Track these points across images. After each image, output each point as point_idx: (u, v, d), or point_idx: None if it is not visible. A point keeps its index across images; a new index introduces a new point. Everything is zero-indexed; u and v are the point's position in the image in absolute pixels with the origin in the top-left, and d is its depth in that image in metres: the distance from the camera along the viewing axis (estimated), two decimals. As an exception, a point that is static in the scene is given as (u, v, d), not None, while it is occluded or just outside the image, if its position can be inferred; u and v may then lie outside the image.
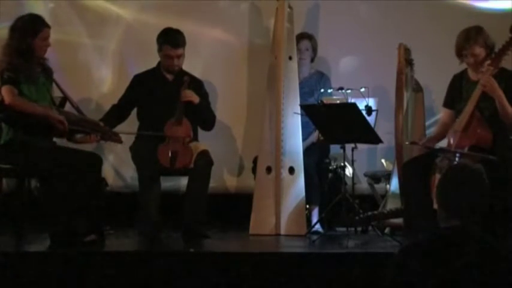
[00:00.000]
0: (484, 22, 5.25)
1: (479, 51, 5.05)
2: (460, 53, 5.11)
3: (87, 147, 5.31)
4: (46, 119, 4.89)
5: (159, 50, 5.70)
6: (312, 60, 6.14)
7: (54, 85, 5.24)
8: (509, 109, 4.93)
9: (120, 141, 5.36)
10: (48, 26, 5.08)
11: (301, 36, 6.07)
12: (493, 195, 4.45)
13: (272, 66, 5.78)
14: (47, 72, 5.15)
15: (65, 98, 5.31)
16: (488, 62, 5.00)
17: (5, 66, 4.92)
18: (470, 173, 2.83)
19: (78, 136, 5.13)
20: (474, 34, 5.07)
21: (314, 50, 6.12)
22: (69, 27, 6.42)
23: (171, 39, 5.64)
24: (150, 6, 6.48)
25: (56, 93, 5.29)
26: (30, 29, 5.01)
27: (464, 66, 5.22)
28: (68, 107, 5.34)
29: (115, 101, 5.80)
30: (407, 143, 5.41)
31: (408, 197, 5.20)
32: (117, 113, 5.70)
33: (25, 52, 4.97)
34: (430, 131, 6.15)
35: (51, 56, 5.24)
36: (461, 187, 2.80)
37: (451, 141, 5.05)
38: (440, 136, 5.38)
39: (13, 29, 5.04)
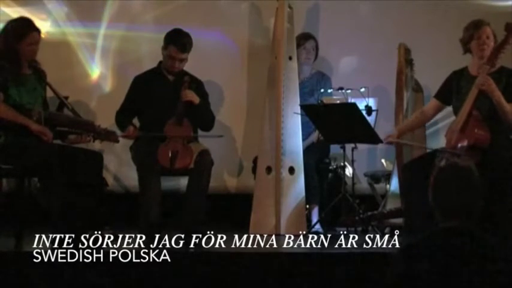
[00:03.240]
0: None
1: (491, 35, 5.05)
2: (470, 37, 5.07)
3: (90, 145, 5.31)
4: (27, 129, 4.90)
5: (164, 48, 5.69)
6: (314, 60, 6.15)
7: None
8: (507, 107, 4.92)
9: (117, 141, 5.36)
10: (36, 30, 5.06)
11: (308, 36, 6.07)
12: (491, 194, 4.49)
13: (272, 66, 5.78)
14: (40, 75, 5.13)
15: (62, 102, 5.30)
16: (484, 61, 5.01)
17: None
18: (460, 172, 2.81)
19: (71, 137, 5.13)
20: (485, 21, 5.11)
21: (317, 50, 6.13)
22: (68, 27, 6.42)
23: (179, 42, 5.62)
24: (149, 6, 6.48)
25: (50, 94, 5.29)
26: (16, 33, 5.00)
27: (464, 63, 5.22)
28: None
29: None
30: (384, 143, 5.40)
31: (408, 197, 5.19)
32: (127, 118, 5.68)
33: (11, 56, 4.96)
34: (431, 131, 6.16)
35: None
36: (452, 187, 2.78)
37: (449, 141, 5.05)
38: (414, 125, 5.40)
39: (2, 31, 5.04)
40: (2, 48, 4.99)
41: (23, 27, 5.04)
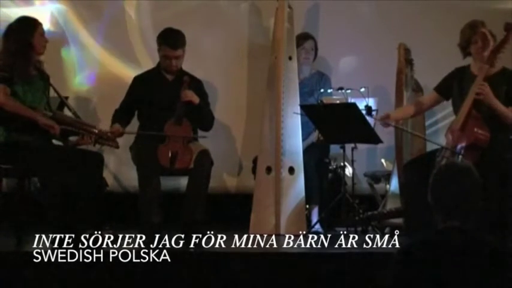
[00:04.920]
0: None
1: (489, 36, 5.05)
2: (468, 41, 5.08)
3: (90, 146, 5.32)
4: (36, 123, 4.90)
5: (158, 49, 5.70)
6: (313, 60, 6.15)
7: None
8: (507, 113, 4.92)
9: (117, 146, 5.36)
10: (41, 23, 5.10)
11: (307, 36, 6.07)
12: (491, 194, 4.49)
13: (272, 66, 5.78)
14: (44, 76, 5.14)
15: (62, 101, 5.31)
16: (484, 60, 5.01)
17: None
18: (460, 172, 2.81)
19: (72, 139, 5.13)
20: (480, 22, 5.12)
21: (316, 50, 6.13)
22: (68, 28, 6.42)
23: (169, 40, 5.63)
24: (149, 6, 6.48)
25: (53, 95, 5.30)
26: (27, 27, 5.01)
27: (464, 63, 5.22)
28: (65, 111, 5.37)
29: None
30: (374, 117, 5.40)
31: (408, 197, 5.20)
32: (124, 117, 5.68)
33: (24, 51, 4.96)
34: (431, 131, 6.16)
35: (48, 56, 5.24)
36: (452, 187, 2.78)
37: (449, 140, 5.05)
38: (406, 113, 5.38)
39: (8, 33, 5.04)
40: (14, 48, 4.97)
41: (31, 21, 5.08)
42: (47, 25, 6.21)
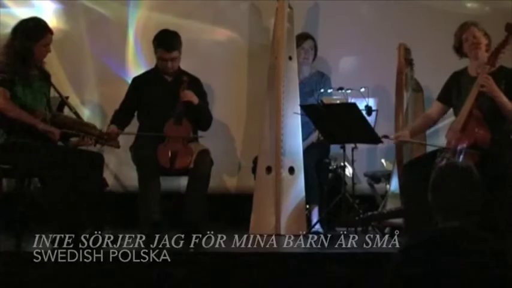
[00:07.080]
0: (483, 23, 5.24)
1: (479, 34, 5.07)
2: (459, 41, 5.11)
3: (90, 147, 5.32)
4: (34, 128, 4.89)
5: (155, 52, 5.70)
6: (313, 60, 6.15)
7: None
8: (510, 106, 4.93)
9: (117, 146, 5.36)
10: (51, 32, 5.07)
11: (306, 36, 6.08)
12: (491, 194, 4.49)
13: (272, 66, 5.78)
14: (45, 76, 5.13)
15: (63, 101, 5.31)
16: (485, 61, 5.02)
17: (0, 68, 4.92)
18: (460, 172, 2.81)
19: (73, 139, 5.13)
20: (470, 22, 5.16)
21: (316, 50, 6.13)
22: (71, 28, 6.42)
23: (165, 42, 5.63)
24: (149, 6, 6.48)
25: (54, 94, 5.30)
26: (32, 34, 4.99)
27: (464, 63, 5.23)
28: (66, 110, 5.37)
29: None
30: (379, 136, 5.39)
31: (408, 198, 5.19)
32: (124, 118, 5.69)
33: (24, 56, 4.96)
34: (431, 131, 6.16)
35: (49, 56, 5.24)
36: (452, 187, 2.78)
37: (450, 141, 5.05)
38: (420, 128, 5.40)
39: (16, 31, 5.03)
40: (16, 48, 4.97)
41: (40, 29, 5.04)
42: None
